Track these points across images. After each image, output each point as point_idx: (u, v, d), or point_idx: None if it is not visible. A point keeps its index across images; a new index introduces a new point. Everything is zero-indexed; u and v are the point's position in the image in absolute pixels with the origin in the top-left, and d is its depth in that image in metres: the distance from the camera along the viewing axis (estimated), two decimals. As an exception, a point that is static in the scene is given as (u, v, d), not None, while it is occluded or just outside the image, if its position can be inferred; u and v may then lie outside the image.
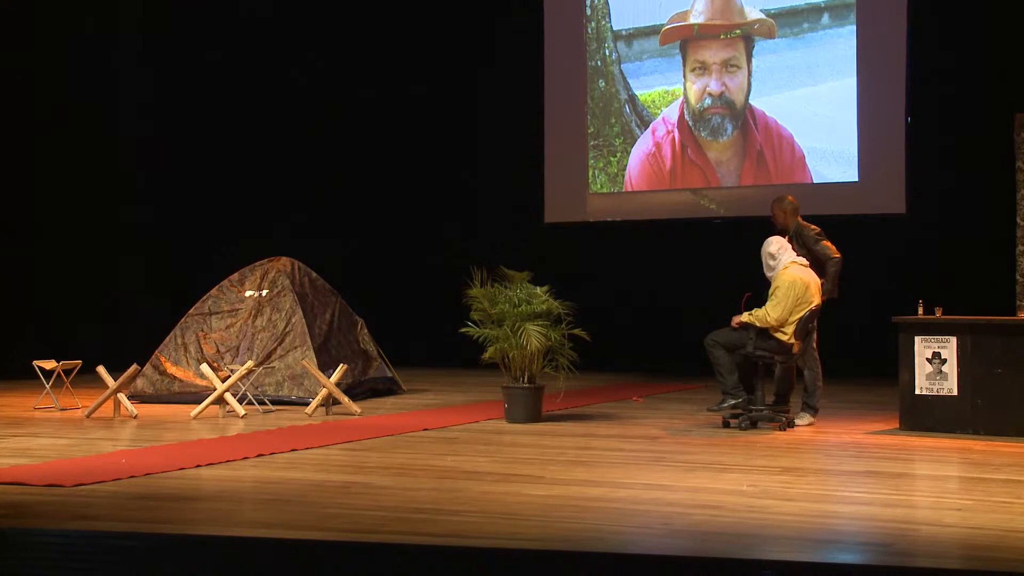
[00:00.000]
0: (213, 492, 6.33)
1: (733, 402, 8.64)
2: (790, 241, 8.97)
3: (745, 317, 8.63)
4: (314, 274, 11.52)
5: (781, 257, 8.72)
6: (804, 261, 8.76)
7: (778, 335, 8.58)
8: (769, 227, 9.30)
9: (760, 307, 8.61)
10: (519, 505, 5.80)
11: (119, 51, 15.34)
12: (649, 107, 14.40)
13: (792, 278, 8.58)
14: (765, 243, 8.84)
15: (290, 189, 15.74)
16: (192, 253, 15.18)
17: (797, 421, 8.88)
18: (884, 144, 13.04)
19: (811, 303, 8.58)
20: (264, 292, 11.08)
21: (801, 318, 8.55)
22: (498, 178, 15.27)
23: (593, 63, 14.72)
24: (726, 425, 8.77)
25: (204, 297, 11.24)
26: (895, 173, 12.97)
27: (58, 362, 10.29)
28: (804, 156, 13.55)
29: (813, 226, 9.11)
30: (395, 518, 5.52)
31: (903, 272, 12.73)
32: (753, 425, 8.69)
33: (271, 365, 10.61)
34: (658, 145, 14.32)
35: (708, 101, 14.02)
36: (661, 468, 7.02)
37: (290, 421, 9.41)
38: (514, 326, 9.17)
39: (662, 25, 14.30)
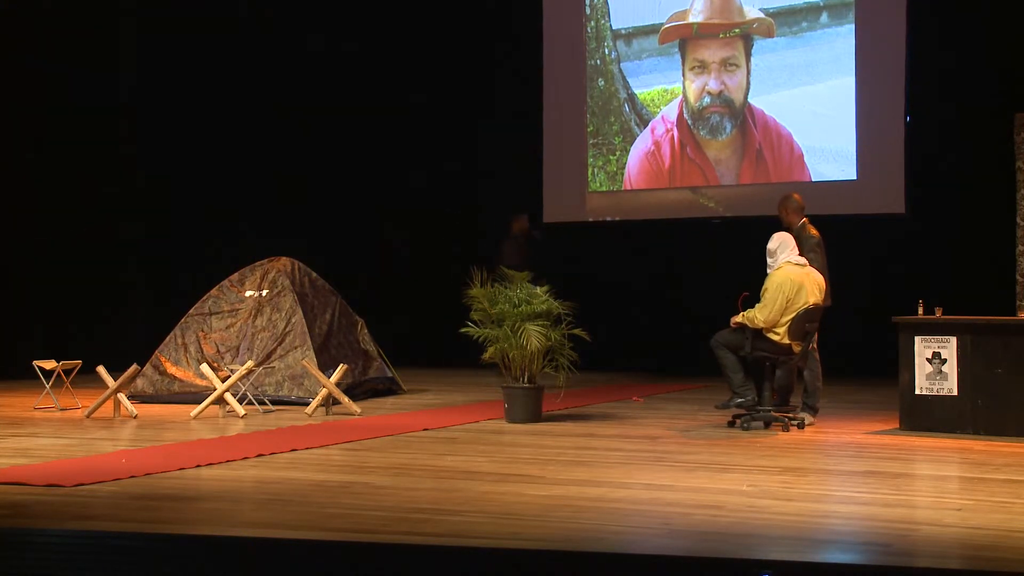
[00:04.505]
0: (213, 492, 6.33)
1: (740, 400, 8.63)
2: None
3: (739, 318, 8.63)
4: (314, 274, 11.52)
5: (779, 255, 8.69)
6: (802, 260, 8.71)
7: (770, 336, 8.55)
8: (768, 225, 9.30)
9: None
10: (519, 505, 5.80)
11: (119, 52, 15.34)
12: (648, 106, 14.40)
13: (782, 278, 8.54)
14: (770, 238, 8.81)
15: (290, 189, 15.73)
16: (192, 254, 15.17)
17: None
18: (883, 143, 13.04)
19: (805, 303, 8.53)
20: (264, 292, 11.09)
21: (794, 318, 8.50)
22: (498, 177, 15.27)
23: (592, 62, 14.72)
24: (731, 424, 8.77)
25: (204, 297, 11.25)
26: (894, 172, 12.97)
27: (58, 362, 10.29)
28: (803, 155, 13.55)
29: (815, 232, 9.07)
30: (395, 518, 5.52)
31: (903, 272, 12.73)
32: (766, 426, 8.67)
33: (271, 365, 10.61)
34: (657, 144, 14.32)
35: (707, 100, 14.02)
36: (661, 468, 7.02)
37: (290, 421, 9.41)
38: (514, 326, 9.18)
39: (661, 24, 14.30)
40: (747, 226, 13.03)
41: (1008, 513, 5.62)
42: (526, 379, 9.28)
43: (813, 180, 13.40)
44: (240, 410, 9.72)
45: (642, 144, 14.42)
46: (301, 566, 4.91)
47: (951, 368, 8.39)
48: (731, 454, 7.50)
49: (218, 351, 10.82)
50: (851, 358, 12.31)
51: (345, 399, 9.93)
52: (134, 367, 10.00)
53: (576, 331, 9.48)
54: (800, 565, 4.71)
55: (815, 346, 8.95)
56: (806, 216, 9.19)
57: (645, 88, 14.41)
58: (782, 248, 8.69)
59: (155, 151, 15.49)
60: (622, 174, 14.54)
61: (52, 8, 14.34)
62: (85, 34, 14.76)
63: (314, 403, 9.86)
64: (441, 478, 6.63)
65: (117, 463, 7.10)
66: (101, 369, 10.00)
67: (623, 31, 14.57)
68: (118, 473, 6.67)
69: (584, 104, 14.73)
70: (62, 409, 10.18)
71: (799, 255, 8.74)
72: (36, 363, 10.31)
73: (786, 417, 8.68)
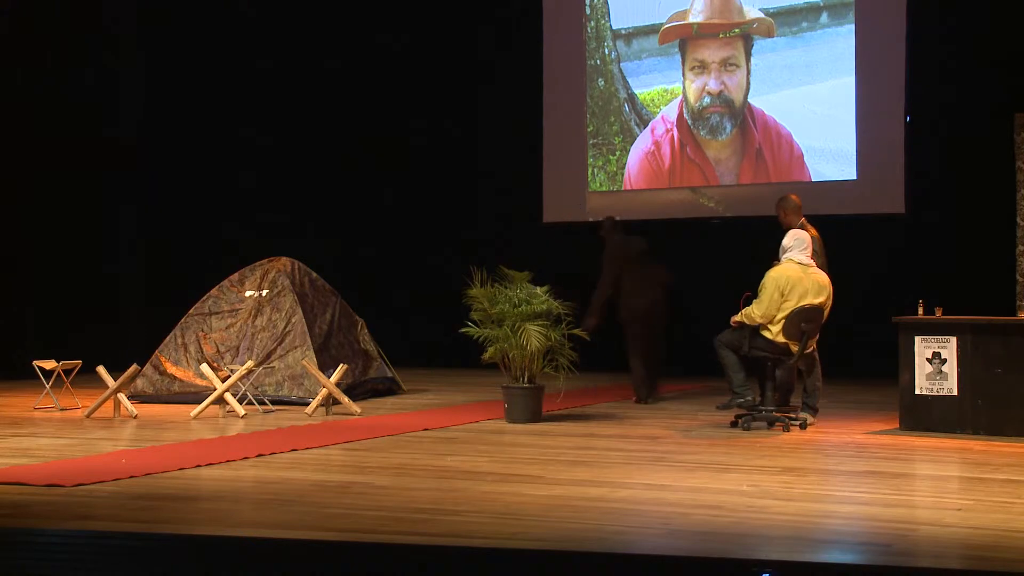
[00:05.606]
0: (213, 492, 6.33)
1: (741, 400, 8.62)
2: None
3: (738, 316, 8.62)
4: (314, 274, 11.52)
5: (787, 253, 8.67)
6: (808, 261, 8.66)
7: (765, 334, 8.54)
8: (768, 225, 9.30)
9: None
10: (519, 505, 5.80)
11: (118, 51, 15.34)
12: (648, 106, 14.39)
13: (777, 274, 8.53)
14: (786, 235, 8.80)
15: (290, 188, 15.73)
16: (192, 253, 15.17)
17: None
18: (883, 143, 13.03)
19: (801, 300, 8.50)
20: (264, 292, 11.08)
21: (789, 316, 8.47)
22: (498, 177, 15.26)
23: (592, 62, 14.72)
24: (734, 424, 8.76)
25: (204, 297, 11.24)
26: (894, 172, 12.97)
27: (58, 362, 10.29)
28: (803, 155, 13.55)
29: (815, 232, 9.05)
30: (395, 518, 5.52)
31: (902, 272, 12.72)
32: (769, 425, 8.66)
33: (271, 365, 10.61)
34: (657, 144, 14.31)
35: (707, 100, 14.02)
36: (661, 468, 7.02)
37: (290, 421, 9.41)
38: (514, 326, 9.17)
39: (661, 24, 14.29)
40: (747, 226, 13.03)
41: (1008, 513, 5.62)
42: (526, 379, 9.28)
43: (813, 180, 13.40)
44: (240, 410, 9.72)
45: (642, 144, 14.42)
46: (301, 566, 4.90)
47: (951, 368, 8.39)
48: (731, 454, 7.50)
49: (218, 351, 10.82)
50: (851, 358, 12.30)
51: (345, 399, 9.93)
52: (134, 367, 10.00)
53: (576, 331, 9.48)
54: (800, 565, 4.71)
55: (814, 346, 8.94)
56: (804, 216, 9.18)
57: (645, 88, 14.41)
58: (793, 247, 8.64)
59: (156, 151, 15.50)
60: (622, 174, 14.53)
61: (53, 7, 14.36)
62: (84, 30, 14.78)
63: (314, 403, 9.86)
64: (441, 478, 6.63)
65: (117, 463, 7.10)
66: (101, 369, 10.00)
67: (623, 31, 14.57)
68: (118, 473, 6.67)
69: (584, 104, 14.72)
70: (62, 409, 10.18)
71: (810, 257, 8.70)
72: (36, 363, 10.31)
73: (787, 417, 8.67)
